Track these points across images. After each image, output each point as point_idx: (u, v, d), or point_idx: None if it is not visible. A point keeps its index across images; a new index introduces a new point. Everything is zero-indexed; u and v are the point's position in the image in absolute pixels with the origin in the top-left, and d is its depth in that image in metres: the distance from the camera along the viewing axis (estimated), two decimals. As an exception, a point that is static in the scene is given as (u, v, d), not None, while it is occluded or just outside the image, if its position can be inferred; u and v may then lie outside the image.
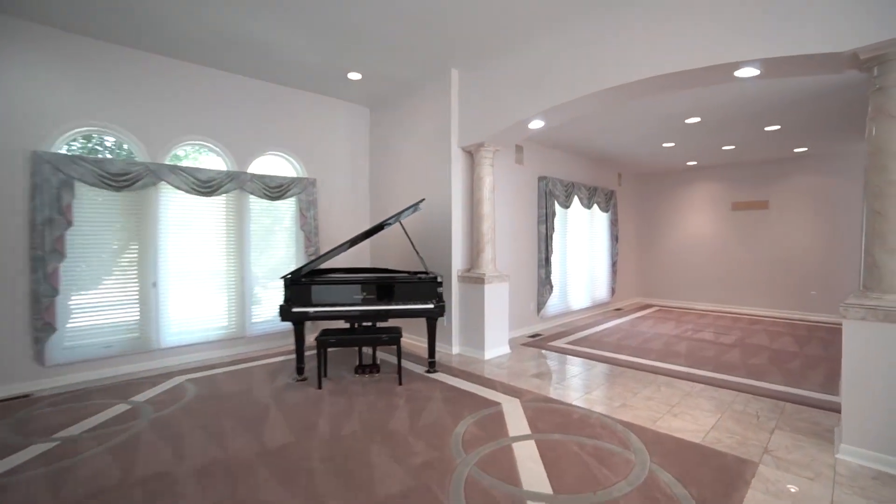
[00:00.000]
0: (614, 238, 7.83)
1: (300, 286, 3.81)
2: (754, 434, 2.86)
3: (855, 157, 6.63)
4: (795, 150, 6.64)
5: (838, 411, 3.13)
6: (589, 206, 7.05)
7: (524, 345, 5.28)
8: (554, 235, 6.29)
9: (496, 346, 4.76)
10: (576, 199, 6.83)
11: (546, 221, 6.11)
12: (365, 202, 6.08)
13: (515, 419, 3.06)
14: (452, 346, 4.87)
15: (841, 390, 2.75)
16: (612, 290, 7.89)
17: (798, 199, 7.15)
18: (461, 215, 4.88)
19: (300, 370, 3.95)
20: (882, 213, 2.47)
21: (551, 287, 6.16)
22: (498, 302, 4.73)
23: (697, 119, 4.99)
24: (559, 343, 5.37)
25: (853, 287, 6.67)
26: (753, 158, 7.23)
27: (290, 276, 3.83)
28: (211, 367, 4.36)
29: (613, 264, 7.85)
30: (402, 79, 4.97)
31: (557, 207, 6.43)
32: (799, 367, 4.33)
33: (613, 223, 7.82)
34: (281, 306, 3.73)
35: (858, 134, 5.55)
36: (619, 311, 7.75)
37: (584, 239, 7.18)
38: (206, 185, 4.50)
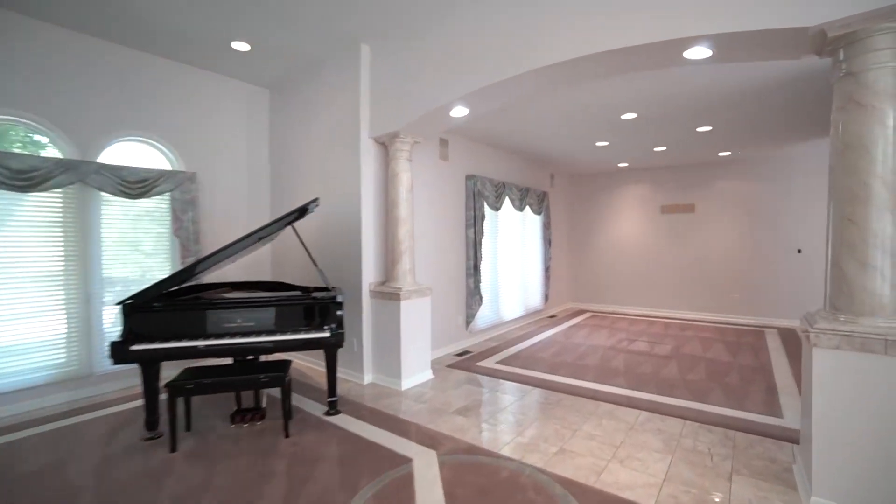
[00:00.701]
0: (547, 242, 7.46)
1: (145, 314, 2.83)
2: (712, 482, 2.39)
3: (773, 162, 6.76)
4: (720, 154, 6.63)
5: (789, 440, 2.83)
6: (521, 208, 6.58)
7: (451, 366, 4.62)
8: (483, 240, 5.72)
9: (416, 373, 4.04)
10: (507, 201, 6.33)
11: (475, 225, 5.51)
12: (264, 202, 5.10)
13: (428, 486, 2.35)
14: (364, 375, 4.08)
15: (799, 422, 2.36)
16: (546, 297, 7.51)
17: (721, 203, 7.21)
18: (373, 219, 4.11)
19: (151, 424, 2.97)
20: (853, 219, 2.07)
21: (481, 298, 5.58)
22: (417, 320, 4.02)
23: (634, 115, 4.63)
24: (489, 363, 4.78)
25: (773, 290, 6.80)
26: (682, 161, 7.18)
27: (131, 300, 2.84)
28: (29, 422, 3.22)
29: (547, 269, 7.48)
30: (303, 54, 4.11)
31: (487, 209, 5.87)
32: (737, 381, 4.07)
33: (546, 226, 7.45)
34: (113, 343, 2.72)
35: (784, 138, 5.55)
36: (554, 319, 7.39)
37: (516, 243, 6.70)
38: (21, 176, 3.33)
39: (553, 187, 8.06)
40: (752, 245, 6.97)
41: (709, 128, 5.08)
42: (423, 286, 4.11)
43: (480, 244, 5.57)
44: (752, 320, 6.95)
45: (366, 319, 4.05)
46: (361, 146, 3.99)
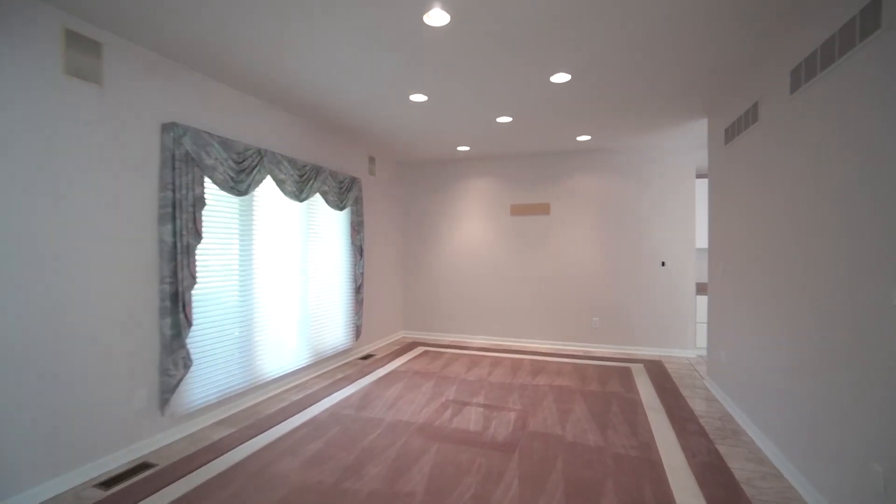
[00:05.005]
0: (358, 250, 5.13)
1: None
2: None
3: (639, 153, 5.50)
4: (579, 139, 5.11)
5: None
6: (302, 197, 4.13)
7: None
8: (200, 245, 3.11)
9: None
10: (267, 182, 3.82)
11: (177, 218, 2.88)
12: None
13: None
14: None
15: None
16: (357, 330, 5.16)
17: (580, 203, 5.76)
18: None
19: None
20: None
21: (187, 355, 2.94)
22: None
23: (446, 20, 2.53)
24: (148, 512, 2.18)
25: (636, 313, 5.49)
26: (534, 147, 5.54)
27: None
28: None
29: (358, 289, 5.14)
30: None
31: (215, 190, 3.29)
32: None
33: (356, 228, 5.12)
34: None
35: (657, 114, 4.09)
36: (366, 363, 5.07)
37: (294, 251, 4.22)
38: None
39: (374, 175, 5.81)
40: (613, 256, 5.61)
41: (567, 76, 3.29)
42: None
43: (192, 252, 2.95)
44: (615, 351, 5.57)
45: None
46: None
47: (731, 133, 3.53)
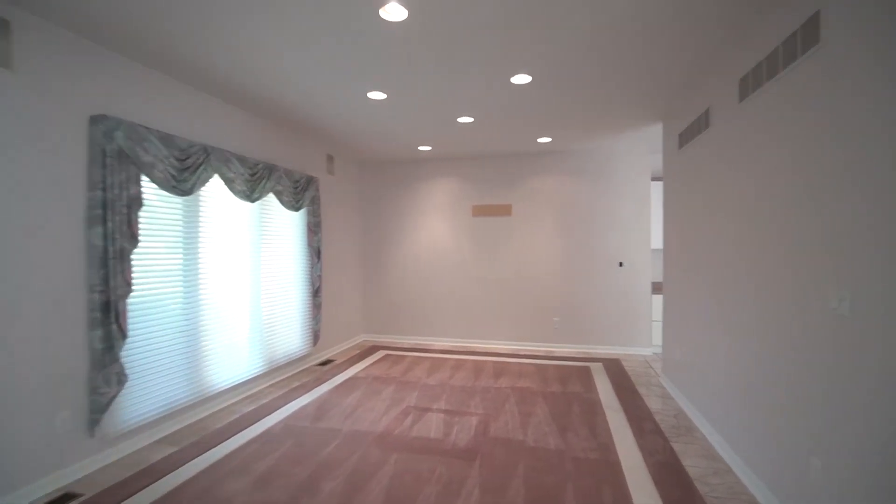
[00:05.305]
0: (315, 252, 4.94)
1: None
2: None
3: (597, 155, 5.60)
4: (540, 141, 5.14)
5: None
6: (254, 197, 3.91)
7: None
8: (137, 249, 2.86)
9: None
10: (215, 181, 3.59)
11: (108, 220, 2.63)
12: None
13: None
14: None
15: None
16: (316, 336, 4.97)
17: (541, 204, 5.81)
18: None
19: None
20: None
21: (122, 370, 2.69)
22: None
23: (403, 14, 2.44)
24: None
25: (595, 312, 5.60)
26: (496, 148, 5.53)
27: None
28: None
29: (316, 293, 4.95)
30: None
31: (156, 190, 3.04)
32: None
33: (314, 229, 4.93)
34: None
35: (614, 118, 4.15)
36: (324, 369, 4.89)
37: (245, 255, 4.00)
38: None
39: (332, 175, 5.62)
40: (573, 257, 5.70)
41: (527, 78, 3.27)
42: None
43: (127, 257, 2.71)
44: (576, 350, 5.66)
45: None
46: None
47: (685, 138, 3.63)
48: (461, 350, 5.75)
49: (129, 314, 2.79)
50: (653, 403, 3.76)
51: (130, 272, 2.70)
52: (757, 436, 2.40)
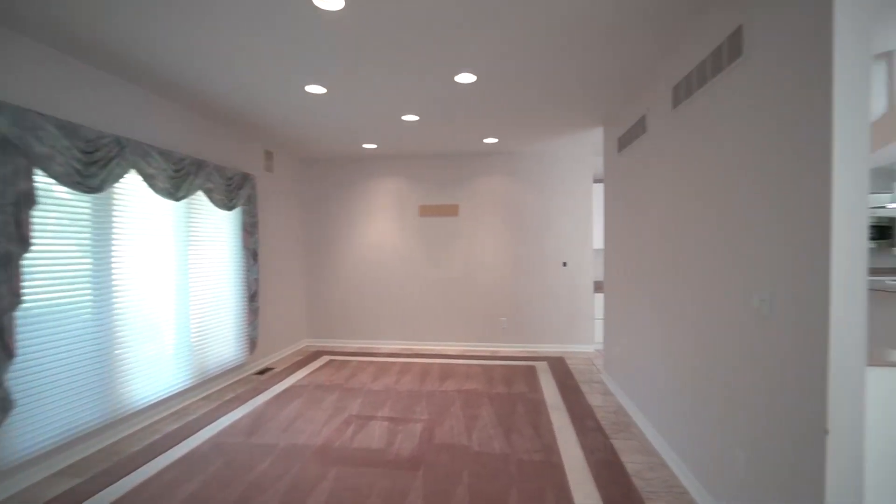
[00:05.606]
0: (251, 254, 4.64)
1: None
2: None
3: (542, 157, 5.68)
4: (486, 141, 5.14)
5: None
6: (179, 195, 3.58)
7: None
8: (29, 254, 2.51)
9: None
10: (133, 177, 3.24)
11: (-7, 219, 2.27)
12: None
13: None
14: None
15: None
16: (252, 343, 4.67)
17: (487, 205, 5.82)
18: None
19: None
20: None
21: (6, 395, 2.34)
22: None
23: (340, 3, 2.29)
24: None
25: (540, 311, 5.69)
26: (442, 148, 5.47)
27: None
28: None
29: (252, 297, 4.65)
30: None
31: (47, 184, 2.69)
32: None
33: (250, 229, 4.63)
34: None
35: (559, 121, 4.21)
36: (262, 378, 4.61)
37: (170, 258, 3.66)
38: None
39: (271, 172, 5.31)
40: (519, 257, 5.76)
41: (472, 77, 3.22)
42: None
43: (15, 263, 2.35)
44: (522, 349, 5.72)
45: None
46: None
47: (624, 142, 3.75)
48: (409, 353, 5.65)
49: (20, 329, 2.43)
50: (594, 400, 3.86)
51: (19, 280, 2.35)
52: (689, 430, 2.49)
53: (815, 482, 1.52)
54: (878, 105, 2.74)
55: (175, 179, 3.51)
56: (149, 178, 3.26)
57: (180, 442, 3.07)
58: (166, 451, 2.95)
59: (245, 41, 2.63)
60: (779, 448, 1.71)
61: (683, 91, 2.56)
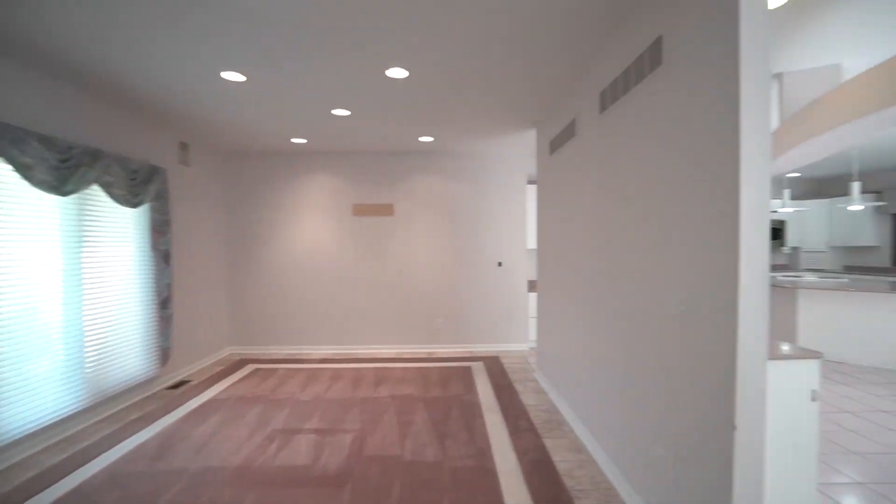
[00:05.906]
0: (162, 256, 4.19)
1: None
2: None
3: (476, 158, 5.69)
4: (421, 139, 5.04)
5: None
6: (67, 189, 3.11)
7: None
8: None
9: None
10: (6, 168, 2.77)
11: None
12: None
13: None
14: None
15: None
16: (165, 354, 4.22)
17: (423, 204, 5.73)
18: None
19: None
20: None
21: None
22: None
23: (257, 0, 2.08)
24: None
25: (474, 311, 5.70)
26: (376, 146, 5.29)
27: None
28: None
29: (164, 303, 4.20)
30: None
31: None
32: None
33: (160, 229, 4.17)
34: None
35: (491, 121, 4.20)
36: (178, 391, 4.18)
37: (58, 262, 3.18)
38: None
39: (187, 166, 4.83)
40: (455, 257, 5.73)
41: (404, 72, 3.10)
42: None
43: None
44: (458, 350, 5.70)
45: None
46: None
47: (555, 144, 3.82)
48: (342, 358, 5.42)
49: None
50: (528, 399, 3.90)
51: None
52: (615, 426, 2.56)
53: (724, 474, 1.59)
54: (772, 121, 2.99)
55: (61, 171, 3.04)
56: (24, 169, 2.79)
57: (66, 476, 2.66)
58: (46, 488, 2.54)
59: (147, 15, 2.31)
60: (695, 443, 1.78)
61: (609, 97, 2.62)
